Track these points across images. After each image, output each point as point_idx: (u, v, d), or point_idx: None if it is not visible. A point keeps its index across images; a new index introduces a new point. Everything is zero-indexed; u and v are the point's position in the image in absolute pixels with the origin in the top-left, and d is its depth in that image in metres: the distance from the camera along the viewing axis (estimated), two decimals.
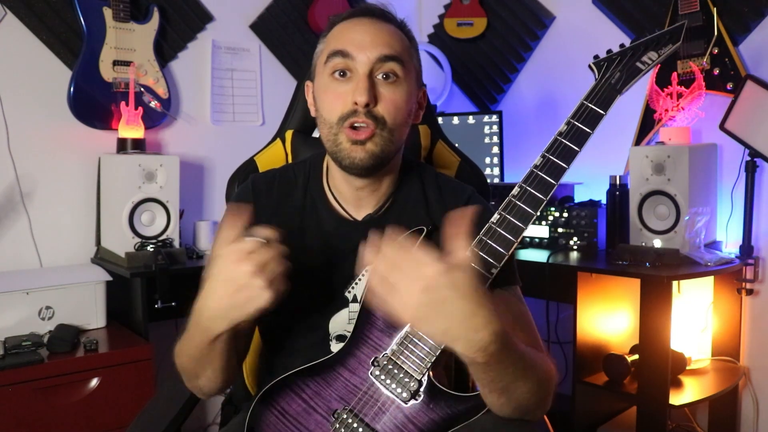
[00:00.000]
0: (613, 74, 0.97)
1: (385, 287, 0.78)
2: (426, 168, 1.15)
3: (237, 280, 0.82)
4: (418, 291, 0.76)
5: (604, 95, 0.96)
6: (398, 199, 1.09)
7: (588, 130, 0.94)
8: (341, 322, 1.04)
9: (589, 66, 1.00)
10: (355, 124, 0.97)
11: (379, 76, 0.98)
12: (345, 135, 0.98)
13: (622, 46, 1.00)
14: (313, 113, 1.08)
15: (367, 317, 0.98)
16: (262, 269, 0.82)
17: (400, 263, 0.78)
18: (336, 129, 0.99)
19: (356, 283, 1.04)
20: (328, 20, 1.06)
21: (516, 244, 0.93)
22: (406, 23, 1.06)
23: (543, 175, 0.93)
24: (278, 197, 1.10)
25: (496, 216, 0.94)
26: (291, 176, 1.12)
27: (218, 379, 0.97)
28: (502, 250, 0.92)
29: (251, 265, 0.81)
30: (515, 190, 0.94)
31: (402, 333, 0.93)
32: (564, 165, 0.93)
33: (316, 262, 1.05)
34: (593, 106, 0.95)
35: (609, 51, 1.00)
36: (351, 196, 1.07)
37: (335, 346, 1.04)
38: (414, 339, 0.92)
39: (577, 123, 0.95)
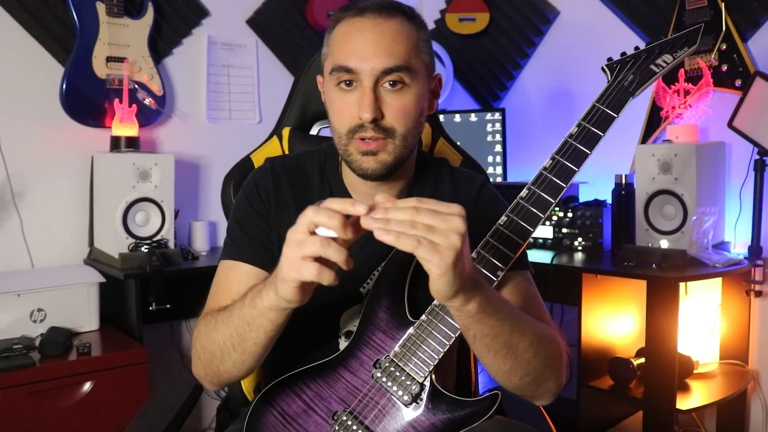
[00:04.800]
0: (626, 76, 0.98)
1: (420, 234, 0.75)
2: (442, 162, 1.16)
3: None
4: (456, 234, 0.75)
5: (616, 98, 0.97)
6: (413, 193, 1.10)
7: (599, 132, 0.95)
8: (352, 318, 1.05)
9: (602, 68, 1.00)
10: (364, 138, 0.98)
11: (386, 85, 0.98)
12: (355, 146, 1.00)
13: (636, 48, 1.01)
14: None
15: (370, 319, 0.98)
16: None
17: (429, 211, 0.76)
18: (345, 140, 1.00)
19: (371, 279, 1.04)
20: (333, 16, 1.04)
21: (523, 247, 0.94)
22: (414, 10, 1.03)
23: (552, 178, 0.95)
24: (296, 183, 1.11)
25: (503, 218, 0.95)
26: (307, 164, 1.13)
27: (246, 363, 0.96)
28: (509, 253, 0.94)
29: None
30: (524, 192, 0.95)
31: (405, 335, 0.94)
32: (574, 168, 0.94)
33: None
34: (605, 109, 0.96)
35: (623, 53, 1.01)
36: (364, 194, 1.08)
37: (343, 344, 1.05)
38: (417, 341, 0.93)
39: (588, 125, 0.96)
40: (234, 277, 1.06)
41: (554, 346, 0.94)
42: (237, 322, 0.92)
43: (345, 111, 0.99)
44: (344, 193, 1.10)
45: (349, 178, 1.09)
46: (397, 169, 1.02)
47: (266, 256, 1.05)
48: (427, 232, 0.75)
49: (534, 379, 0.93)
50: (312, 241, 0.78)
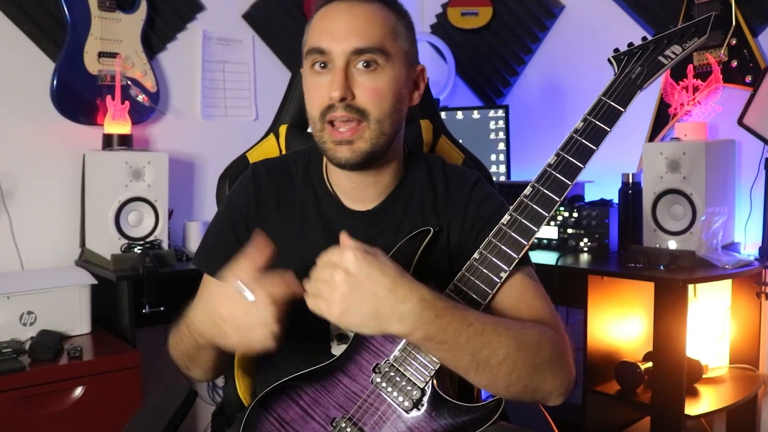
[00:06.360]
0: (633, 69, 0.97)
1: (313, 295, 0.85)
2: (434, 158, 1.16)
3: (245, 327, 0.88)
4: (341, 280, 0.82)
5: (623, 91, 0.96)
6: (402, 191, 1.09)
7: (606, 127, 0.94)
8: None
9: (609, 60, 1.00)
10: (335, 120, 0.98)
11: (359, 65, 0.99)
12: (328, 134, 1.00)
13: (644, 39, 1.00)
14: None
15: None
16: (270, 321, 0.87)
17: (321, 268, 0.85)
18: (320, 126, 1.01)
19: None
20: (313, 9, 1.07)
21: (527, 247, 0.94)
22: None
23: (557, 175, 0.94)
24: (279, 186, 1.11)
25: (506, 217, 0.95)
26: (291, 165, 1.14)
27: (209, 374, 1.08)
28: (512, 253, 0.94)
29: (263, 317, 0.87)
30: (527, 190, 0.95)
31: (405, 339, 0.94)
32: (580, 164, 0.94)
33: (316, 251, 1.05)
34: (612, 103, 0.95)
35: (630, 44, 1.00)
36: (349, 190, 1.08)
37: (336, 347, 1.05)
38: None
39: (594, 120, 0.95)
40: (208, 290, 1.10)
41: (546, 348, 0.91)
42: (188, 346, 1.02)
43: (317, 93, 1.00)
44: (327, 193, 1.10)
45: (333, 174, 1.09)
46: (376, 158, 1.02)
47: None
48: (320, 283, 0.84)
49: (524, 387, 0.90)
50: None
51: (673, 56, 0.98)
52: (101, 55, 2.26)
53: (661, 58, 0.98)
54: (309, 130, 1.44)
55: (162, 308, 2.04)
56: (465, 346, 0.85)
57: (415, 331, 0.83)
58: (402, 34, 1.03)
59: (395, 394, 0.93)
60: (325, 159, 1.11)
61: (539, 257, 2.31)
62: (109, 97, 2.25)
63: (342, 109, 0.97)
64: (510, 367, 0.87)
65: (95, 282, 2.07)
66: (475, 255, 0.95)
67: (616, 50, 1.00)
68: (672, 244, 2.13)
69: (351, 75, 0.98)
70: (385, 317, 0.82)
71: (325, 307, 0.84)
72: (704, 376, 2.11)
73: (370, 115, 0.99)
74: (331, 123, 0.99)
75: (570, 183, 0.94)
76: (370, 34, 0.98)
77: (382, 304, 0.82)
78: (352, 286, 0.82)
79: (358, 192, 1.08)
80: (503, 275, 0.93)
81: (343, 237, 0.87)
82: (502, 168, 2.76)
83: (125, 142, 2.25)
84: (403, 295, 0.83)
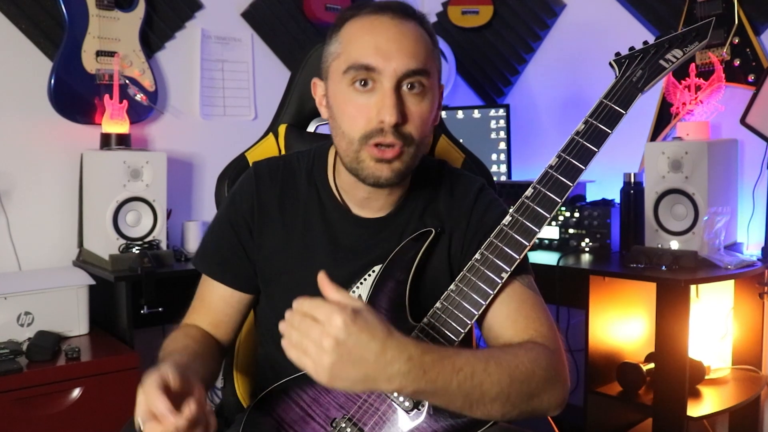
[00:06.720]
0: (634, 72, 0.99)
1: (298, 348, 0.80)
2: (439, 164, 1.15)
3: None
4: (330, 348, 0.77)
5: (624, 94, 0.97)
6: (410, 199, 1.09)
7: (607, 129, 0.96)
8: None
9: (610, 63, 1.01)
10: (382, 144, 0.95)
11: (405, 87, 0.96)
12: (368, 153, 0.96)
13: (645, 43, 1.01)
14: (324, 115, 1.05)
15: None
16: None
17: (307, 321, 0.79)
18: (357, 146, 0.97)
19: (362, 282, 1.03)
20: (341, 12, 1.02)
21: (528, 248, 0.94)
22: (425, 16, 1.02)
23: (558, 176, 0.95)
24: (282, 187, 1.10)
25: (508, 218, 0.96)
26: (295, 166, 1.12)
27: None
28: (513, 254, 0.94)
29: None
30: (529, 191, 0.96)
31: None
32: (581, 166, 0.95)
33: (319, 256, 1.06)
34: (613, 105, 0.97)
35: (631, 48, 1.01)
36: (361, 199, 1.07)
37: None
38: None
39: (595, 122, 0.96)
40: (210, 292, 1.11)
41: (539, 373, 0.90)
42: None
43: (361, 114, 0.96)
44: (331, 197, 1.08)
45: (344, 183, 1.07)
46: (407, 177, 1.02)
47: (237, 275, 1.10)
48: (307, 341, 0.79)
49: (520, 413, 0.90)
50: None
51: (674, 60, 1.00)
52: (99, 54, 2.27)
53: (662, 61, 1.00)
54: (309, 129, 1.45)
55: (161, 309, 2.04)
56: (456, 391, 0.84)
57: (404, 388, 0.81)
58: (435, 54, 1.01)
59: (396, 394, 0.93)
60: (331, 162, 1.10)
61: (541, 257, 2.31)
62: (107, 97, 2.25)
63: (390, 135, 0.94)
64: (504, 400, 0.87)
65: (93, 282, 2.07)
66: (477, 256, 0.96)
67: (618, 54, 1.01)
68: (674, 245, 2.13)
69: (399, 97, 0.95)
70: (374, 380, 0.80)
71: (312, 369, 0.79)
72: (707, 377, 2.11)
73: (413, 139, 0.97)
74: (375, 145, 0.96)
75: (571, 184, 0.95)
76: (419, 55, 0.96)
77: (371, 369, 0.79)
78: (342, 354, 0.77)
79: (369, 201, 1.06)
80: (504, 275, 0.94)
81: (327, 287, 0.83)
82: (503, 168, 2.76)
83: (123, 141, 2.25)
84: (392, 357, 0.79)
